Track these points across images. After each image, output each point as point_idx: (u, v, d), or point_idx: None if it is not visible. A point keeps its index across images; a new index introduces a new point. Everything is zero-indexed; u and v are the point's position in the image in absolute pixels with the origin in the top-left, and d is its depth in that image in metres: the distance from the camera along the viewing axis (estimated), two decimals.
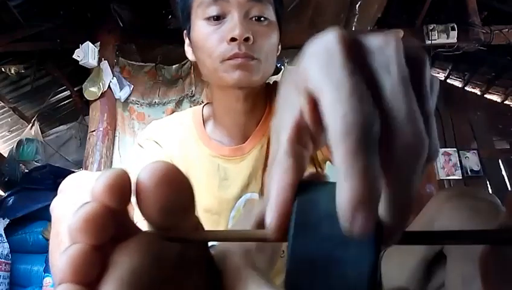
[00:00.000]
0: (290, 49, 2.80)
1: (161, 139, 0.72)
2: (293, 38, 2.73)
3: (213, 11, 0.62)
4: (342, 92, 0.17)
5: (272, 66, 0.67)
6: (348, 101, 0.17)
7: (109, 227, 0.18)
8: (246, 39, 0.60)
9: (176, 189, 0.19)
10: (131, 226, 0.20)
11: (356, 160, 0.16)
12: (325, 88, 0.18)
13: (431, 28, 2.66)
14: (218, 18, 0.62)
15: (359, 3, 2.59)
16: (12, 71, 2.80)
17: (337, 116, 0.17)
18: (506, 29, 2.70)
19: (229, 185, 0.69)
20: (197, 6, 0.64)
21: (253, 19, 0.63)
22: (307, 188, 0.20)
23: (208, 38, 0.62)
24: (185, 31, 0.71)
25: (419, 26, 2.77)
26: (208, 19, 0.63)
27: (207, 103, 0.78)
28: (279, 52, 0.70)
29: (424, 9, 2.78)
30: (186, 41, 0.71)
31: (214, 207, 0.68)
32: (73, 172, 0.65)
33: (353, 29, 2.83)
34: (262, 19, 0.63)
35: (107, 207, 0.18)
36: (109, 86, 2.49)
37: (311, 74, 0.19)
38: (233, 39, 0.60)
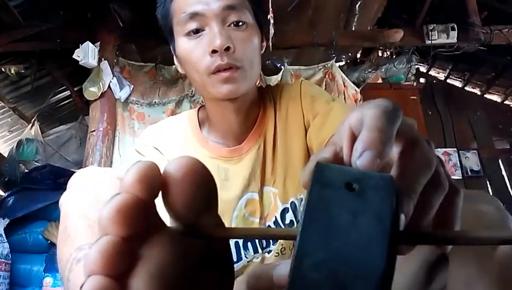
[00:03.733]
0: (290, 49, 2.82)
1: (160, 145, 0.72)
2: (293, 38, 2.75)
3: (191, 26, 0.63)
4: (379, 108, 0.23)
5: (257, 69, 0.68)
6: (383, 109, 0.23)
7: (140, 218, 0.18)
8: (227, 49, 0.61)
9: (202, 184, 0.20)
10: (157, 220, 0.20)
11: (380, 122, 0.21)
12: (369, 111, 0.24)
13: (431, 28, 2.66)
14: (197, 31, 0.63)
15: (359, 3, 2.59)
16: (13, 71, 2.79)
17: (374, 112, 0.23)
18: (506, 29, 2.70)
19: (230, 185, 0.69)
20: (176, 24, 0.66)
21: (232, 25, 0.64)
22: (324, 173, 0.20)
23: (192, 54, 0.64)
24: (171, 46, 0.72)
25: (419, 26, 2.77)
26: (188, 34, 0.64)
27: (202, 106, 0.79)
28: (263, 50, 0.71)
29: (424, 9, 2.78)
30: (174, 55, 0.72)
31: None
32: (74, 172, 0.65)
33: (353, 29, 2.82)
34: (240, 23, 0.64)
35: (138, 198, 0.18)
36: (109, 86, 2.49)
37: (361, 113, 0.24)
38: (214, 51, 0.61)
